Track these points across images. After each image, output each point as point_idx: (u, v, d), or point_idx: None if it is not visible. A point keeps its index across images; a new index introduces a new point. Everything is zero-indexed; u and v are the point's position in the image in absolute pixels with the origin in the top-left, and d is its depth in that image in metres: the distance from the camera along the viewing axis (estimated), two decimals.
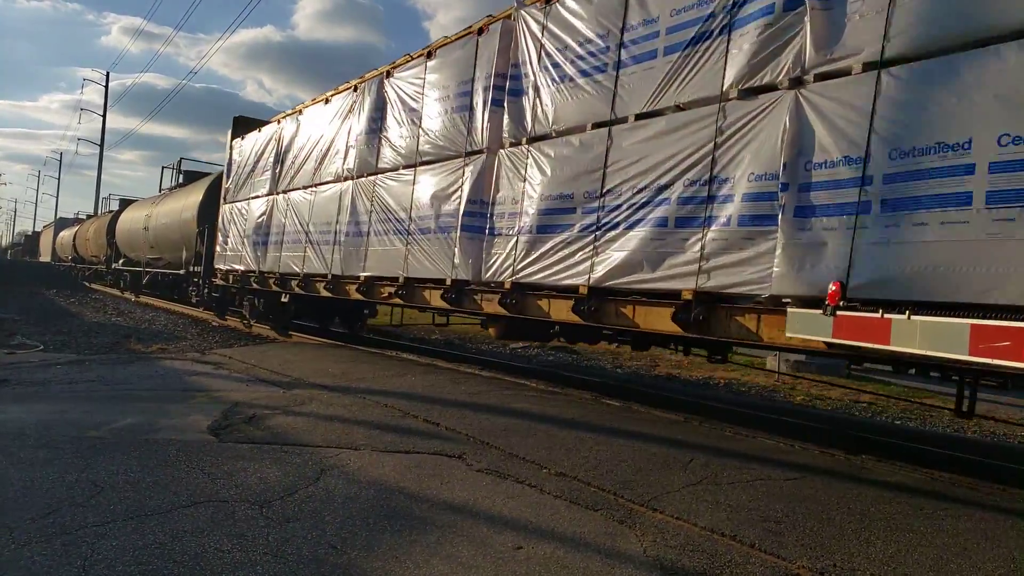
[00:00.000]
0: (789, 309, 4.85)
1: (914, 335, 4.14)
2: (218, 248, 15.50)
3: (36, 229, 79.53)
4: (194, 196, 18.25)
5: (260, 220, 13.11)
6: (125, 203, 31.61)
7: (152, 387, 7.30)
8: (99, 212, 44.54)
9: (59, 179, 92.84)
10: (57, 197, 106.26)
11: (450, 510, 3.87)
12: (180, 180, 23.98)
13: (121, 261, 27.12)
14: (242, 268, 13.95)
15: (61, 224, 53.44)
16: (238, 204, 14.45)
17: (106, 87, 51.79)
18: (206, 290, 16.90)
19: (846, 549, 3.46)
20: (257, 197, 13.54)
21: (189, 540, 3.28)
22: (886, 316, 4.27)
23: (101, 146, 52.48)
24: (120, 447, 4.77)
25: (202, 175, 22.60)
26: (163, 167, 26.11)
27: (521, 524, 3.69)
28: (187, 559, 3.08)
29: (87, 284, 33.88)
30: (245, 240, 13.80)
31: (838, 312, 4.51)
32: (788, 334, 4.85)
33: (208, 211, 16.81)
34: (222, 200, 15.43)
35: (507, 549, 3.36)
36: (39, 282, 31.51)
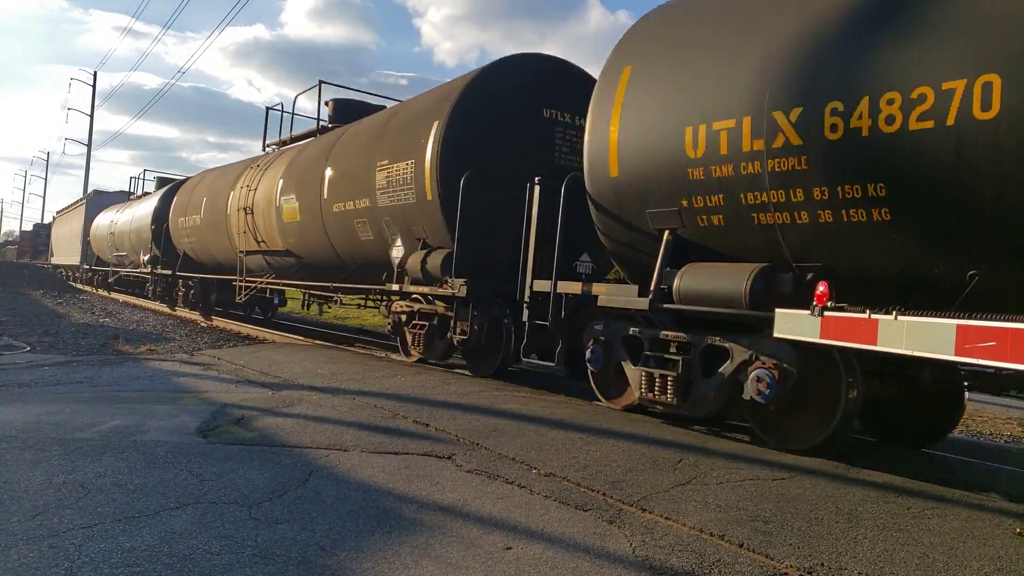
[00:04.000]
0: (777, 309, 4.90)
1: (900, 335, 4.18)
2: None
3: (35, 226, 59.53)
4: None
5: None
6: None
7: (140, 388, 7.26)
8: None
9: (46, 178, 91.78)
10: (44, 197, 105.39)
11: (440, 511, 3.86)
12: None
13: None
14: None
15: (100, 201, 29.95)
16: None
17: (93, 87, 51.51)
18: None
19: (834, 549, 3.48)
20: None
21: (177, 542, 3.26)
22: (873, 316, 4.31)
23: (89, 145, 52.08)
24: (108, 449, 4.74)
25: None
26: None
27: (510, 524, 3.69)
28: (175, 561, 3.06)
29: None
30: None
31: (825, 312, 4.55)
32: (776, 334, 4.93)
33: None
34: None
35: (496, 549, 3.36)
36: (26, 283, 31.14)
